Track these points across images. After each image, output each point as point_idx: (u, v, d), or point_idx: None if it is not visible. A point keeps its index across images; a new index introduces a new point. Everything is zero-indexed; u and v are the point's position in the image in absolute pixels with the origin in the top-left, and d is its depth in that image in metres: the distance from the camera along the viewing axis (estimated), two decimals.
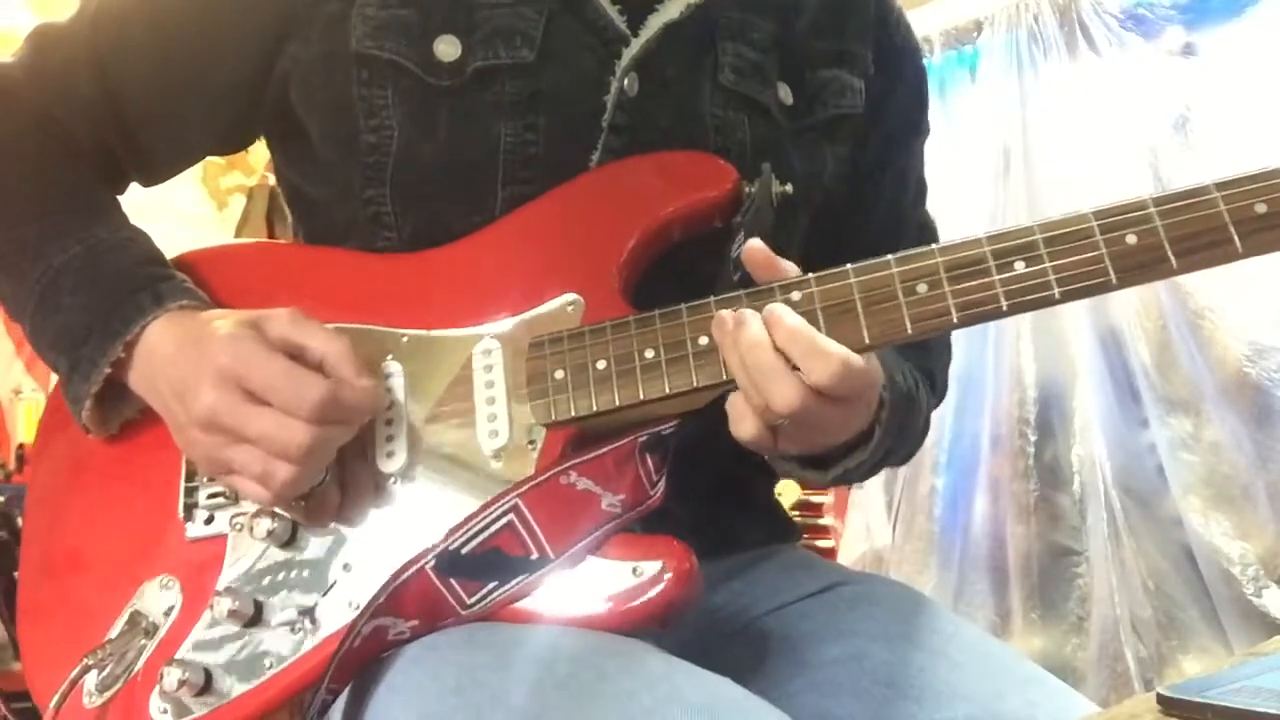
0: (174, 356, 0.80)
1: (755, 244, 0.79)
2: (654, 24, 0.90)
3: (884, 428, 0.84)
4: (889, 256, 0.76)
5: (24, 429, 3.35)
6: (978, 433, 2.90)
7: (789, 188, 0.87)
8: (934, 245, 0.75)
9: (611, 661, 0.69)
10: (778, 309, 0.74)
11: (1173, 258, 0.71)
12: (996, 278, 0.73)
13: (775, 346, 0.73)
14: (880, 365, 0.81)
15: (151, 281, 0.85)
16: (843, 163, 0.98)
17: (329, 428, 0.75)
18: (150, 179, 0.99)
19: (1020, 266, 0.73)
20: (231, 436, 0.76)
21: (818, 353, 0.72)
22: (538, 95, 0.87)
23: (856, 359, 0.73)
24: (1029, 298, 0.73)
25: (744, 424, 0.76)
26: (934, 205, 1.11)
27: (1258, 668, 0.62)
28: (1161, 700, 0.57)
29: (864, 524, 3.08)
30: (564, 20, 0.89)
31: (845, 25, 0.99)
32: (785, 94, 0.94)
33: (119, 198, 0.97)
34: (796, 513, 3.07)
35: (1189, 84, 2.62)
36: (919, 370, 0.97)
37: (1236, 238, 0.70)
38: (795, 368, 0.73)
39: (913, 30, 1.08)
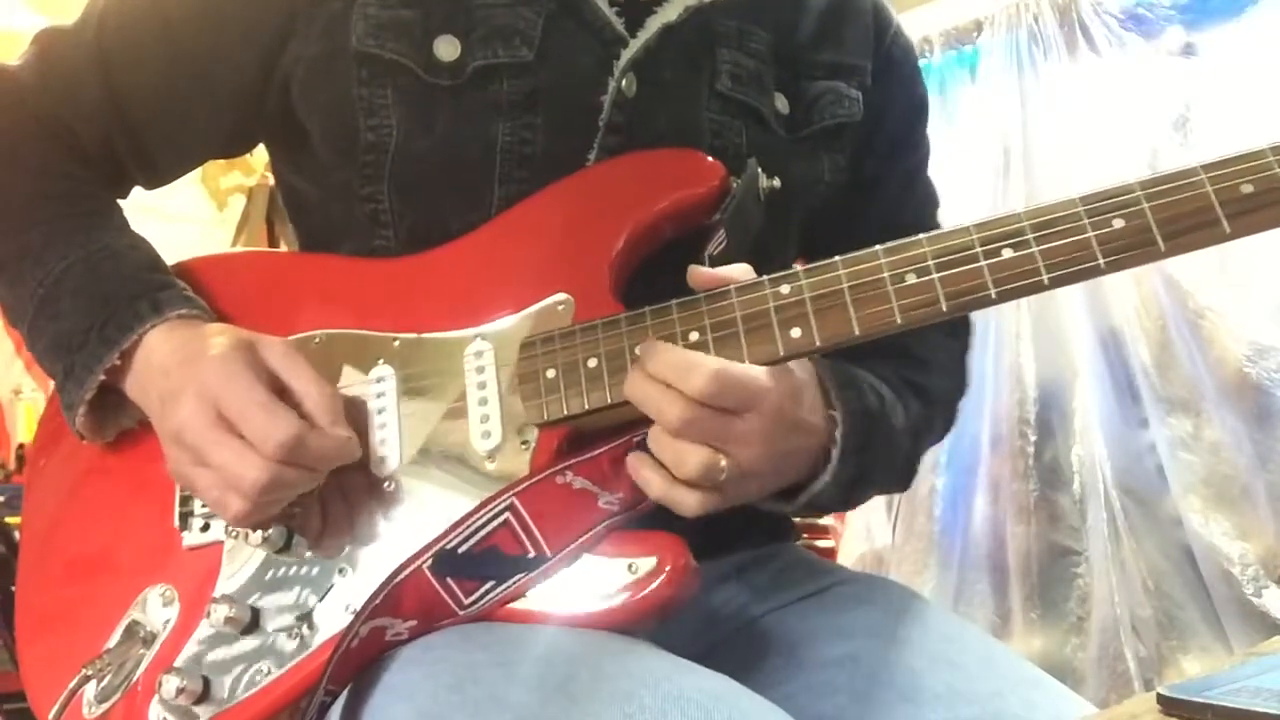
0: (167, 366, 0.80)
1: (696, 270, 0.79)
2: (652, 26, 0.90)
3: (841, 447, 0.82)
4: (877, 247, 0.75)
5: (24, 429, 3.36)
6: (978, 433, 2.89)
7: (777, 182, 0.87)
8: (922, 235, 0.75)
9: (610, 660, 0.68)
10: (641, 348, 0.75)
11: (1160, 240, 0.70)
12: (985, 264, 0.72)
13: (650, 375, 0.74)
14: (814, 380, 0.80)
15: (151, 289, 0.85)
16: (840, 171, 0.98)
17: (289, 470, 0.74)
18: (154, 181, 0.99)
19: (1008, 253, 0.72)
20: (196, 457, 0.76)
21: (688, 365, 0.73)
22: (535, 94, 0.87)
23: (737, 367, 0.73)
24: (1018, 284, 0.72)
25: (686, 502, 0.75)
26: None
27: (1258, 668, 0.62)
28: (1161, 700, 0.57)
29: (864, 524, 3.08)
30: (562, 21, 0.89)
31: (843, 38, 0.99)
32: (782, 104, 0.94)
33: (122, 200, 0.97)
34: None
35: (1189, 84, 2.62)
36: (905, 383, 0.93)
37: (1224, 218, 0.70)
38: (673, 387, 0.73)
39: (912, 47, 1.07)
